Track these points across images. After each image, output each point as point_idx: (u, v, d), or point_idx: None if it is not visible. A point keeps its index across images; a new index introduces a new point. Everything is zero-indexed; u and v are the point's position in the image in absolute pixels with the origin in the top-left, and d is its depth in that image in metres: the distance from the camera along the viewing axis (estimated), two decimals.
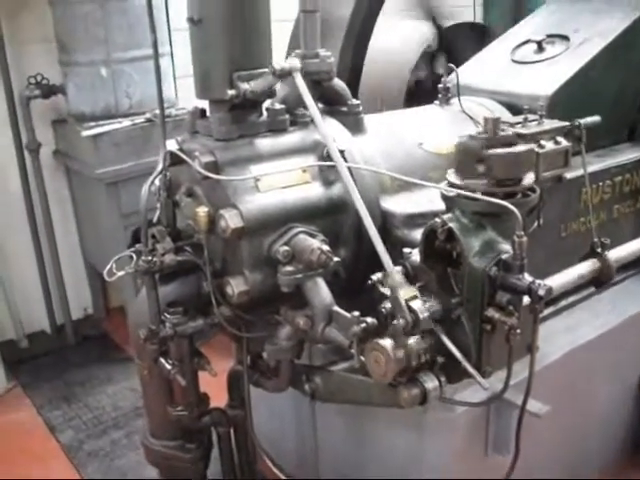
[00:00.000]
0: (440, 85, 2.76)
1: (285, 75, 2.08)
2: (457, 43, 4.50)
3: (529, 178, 1.94)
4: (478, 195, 1.84)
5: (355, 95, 3.21)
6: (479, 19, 6.09)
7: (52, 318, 5.02)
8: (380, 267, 1.90)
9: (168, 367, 2.20)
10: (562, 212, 2.68)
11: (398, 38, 4.25)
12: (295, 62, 2.09)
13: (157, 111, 3.86)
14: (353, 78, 3.22)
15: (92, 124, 4.10)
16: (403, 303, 1.78)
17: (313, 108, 2.04)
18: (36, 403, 4.16)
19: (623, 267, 2.84)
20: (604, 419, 2.92)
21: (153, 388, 2.38)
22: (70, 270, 5.03)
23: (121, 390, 4.21)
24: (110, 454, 3.63)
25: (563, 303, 2.77)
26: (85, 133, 4.03)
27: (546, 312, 2.70)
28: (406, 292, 1.80)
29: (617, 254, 2.60)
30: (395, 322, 1.80)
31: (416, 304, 1.79)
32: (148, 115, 4.12)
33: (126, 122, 4.09)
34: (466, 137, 1.95)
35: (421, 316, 1.78)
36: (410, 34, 4.35)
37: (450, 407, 2.21)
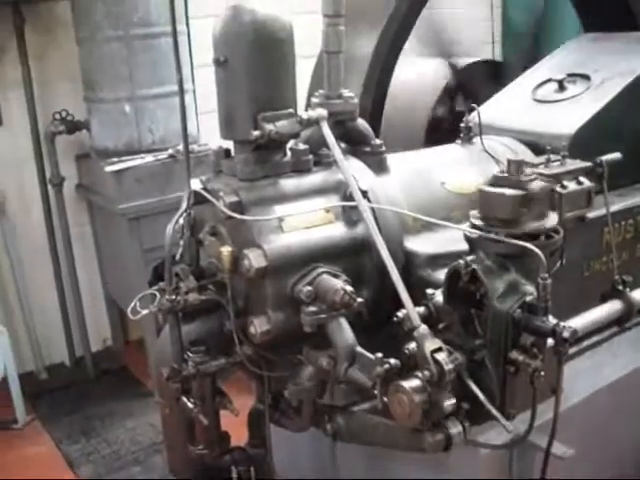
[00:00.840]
0: (462, 124, 2.78)
1: (312, 124, 2.11)
2: (473, 81, 4.52)
3: (552, 219, 1.95)
4: (502, 237, 1.84)
5: (377, 133, 3.24)
6: (497, 56, 6.13)
7: (71, 350, 5.05)
8: (403, 306, 1.91)
9: (190, 406, 2.20)
10: (584, 251, 2.67)
11: (416, 75, 4.27)
12: (321, 111, 2.12)
13: (180, 147, 3.95)
14: (375, 116, 3.24)
15: (115, 159, 4.16)
16: (428, 355, 1.77)
17: (335, 149, 2.06)
18: (55, 437, 4.18)
19: None
20: (628, 461, 2.88)
21: (174, 426, 2.38)
22: (90, 302, 5.08)
23: (140, 425, 4.22)
24: None
25: (585, 343, 2.73)
26: (108, 168, 4.09)
27: (569, 352, 2.67)
28: (431, 344, 1.80)
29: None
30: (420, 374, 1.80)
31: (441, 356, 1.78)
32: (171, 151, 4.17)
33: (149, 158, 4.15)
34: (490, 179, 1.96)
35: (446, 368, 1.77)
36: (428, 72, 4.38)
37: (473, 448, 2.18)
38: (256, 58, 2.10)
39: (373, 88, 3.25)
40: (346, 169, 2.06)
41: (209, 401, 2.23)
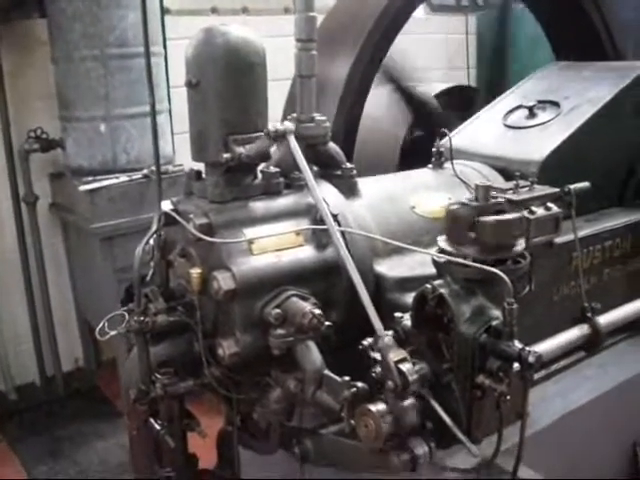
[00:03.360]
0: (433, 149, 2.81)
1: (279, 137, 2.11)
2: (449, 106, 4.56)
3: (520, 245, 1.98)
4: (469, 262, 1.86)
5: (350, 155, 3.26)
6: (473, 81, 6.22)
7: (42, 370, 4.99)
8: (372, 330, 1.91)
9: (157, 428, 2.19)
10: (553, 276, 2.69)
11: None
12: (289, 125, 2.13)
13: (154, 168, 3.93)
14: (348, 140, 3.27)
15: (89, 179, 4.14)
16: (392, 365, 1.78)
17: (306, 170, 2.07)
18: (22, 458, 4.11)
19: (614, 331, 2.86)
20: None
21: (141, 448, 2.36)
22: (62, 322, 5.03)
23: (109, 446, 4.18)
24: None
25: (554, 367, 2.76)
26: (82, 187, 4.08)
27: (537, 376, 2.69)
28: (395, 354, 1.81)
29: (607, 319, 2.62)
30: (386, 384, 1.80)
31: (405, 366, 1.79)
32: (145, 171, 4.16)
33: (123, 178, 4.14)
34: (457, 204, 1.98)
35: (410, 378, 1.77)
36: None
37: (441, 474, 2.18)
38: (228, 81, 2.11)
39: (347, 111, 3.28)
40: (316, 190, 2.07)
41: (176, 423, 2.22)
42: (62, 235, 4.90)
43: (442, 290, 1.88)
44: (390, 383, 1.78)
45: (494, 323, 1.85)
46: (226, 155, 2.11)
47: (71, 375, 5.12)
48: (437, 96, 4.55)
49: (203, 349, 2.11)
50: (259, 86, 2.18)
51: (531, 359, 1.78)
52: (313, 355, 2.03)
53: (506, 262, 1.93)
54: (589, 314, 2.56)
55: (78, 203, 4.28)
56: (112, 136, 4.19)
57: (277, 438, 2.24)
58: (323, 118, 2.36)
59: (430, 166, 2.81)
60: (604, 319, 2.59)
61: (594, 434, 2.71)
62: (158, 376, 2.14)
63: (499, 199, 2.00)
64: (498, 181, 2.73)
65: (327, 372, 2.01)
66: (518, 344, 1.80)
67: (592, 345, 2.58)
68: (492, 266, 1.85)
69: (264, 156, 2.19)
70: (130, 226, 4.02)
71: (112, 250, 4.14)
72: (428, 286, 1.90)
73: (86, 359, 5.20)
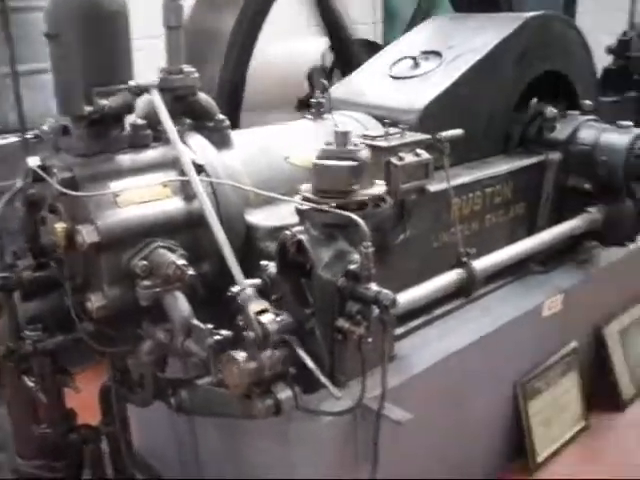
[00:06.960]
0: (313, 100, 2.81)
1: (142, 92, 2.09)
2: (354, 59, 4.56)
3: (379, 189, 2.01)
4: (324, 207, 1.89)
5: (238, 109, 3.25)
6: (379, 37, 6.20)
7: None
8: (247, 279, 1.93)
9: (30, 385, 2.18)
10: (433, 223, 2.75)
11: (289, 54, 4.29)
12: (151, 80, 2.11)
13: (45, 127, 3.82)
14: (235, 92, 3.25)
15: None
16: (253, 317, 1.81)
17: (167, 122, 2.06)
18: None
19: (495, 275, 2.95)
20: (482, 425, 2.98)
21: (18, 406, 2.35)
22: None
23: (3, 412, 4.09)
24: None
25: (437, 312, 2.83)
26: None
27: (419, 321, 2.76)
28: (256, 306, 1.83)
29: (482, 263, 2.70)
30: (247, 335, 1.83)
31: (266, 318, 1.82)
32: (36, 131, 4.03)
33: (12, 138, 4.01)
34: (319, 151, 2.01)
35: (270, 329, 1.81)
36: (301, 50, 4.40)
37: (316, 417, 2.23)
38: (87, 32, 2.06)
39: (233, 62, 3.26)
40: (177, 141, 2.06)
41: (49, 379, 2.21)
42: None
43: (300, 236, 1.91)
44: (251, 334, 1.81)
45: (352, 267, 1.88)
46: (89, 108, 2.08)
47: None
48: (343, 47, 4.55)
49: (72, 303, 2.10)
50: (121, 36, 2.13)
51: (386, 302, 1.82)
52: (181, 305, 2.03)
53: (366, 207, 1.97)
54: (464, 259, 2.62)
55: None
56: (0, 95, 4.05)
57: (151, 389, 2.25)
58: (192, 69, 2.33)
59: (309, 117, 2.82)
60: (479, 264, 2.67)
61: (476, 375, 2.80)
62: (27, 332, 2.12)
63: (362, 144, 2.04)
64: (378, 130, 2.75)
65: (194, 321, 2.02)
66: (375, 287, 1.85)
67: (468, 289, 2.65)
68: (352, 211, 1.88)
69: (128, 108, 2.16)
70: None
71: None
72: (287, 233, 1.93)
73: None
